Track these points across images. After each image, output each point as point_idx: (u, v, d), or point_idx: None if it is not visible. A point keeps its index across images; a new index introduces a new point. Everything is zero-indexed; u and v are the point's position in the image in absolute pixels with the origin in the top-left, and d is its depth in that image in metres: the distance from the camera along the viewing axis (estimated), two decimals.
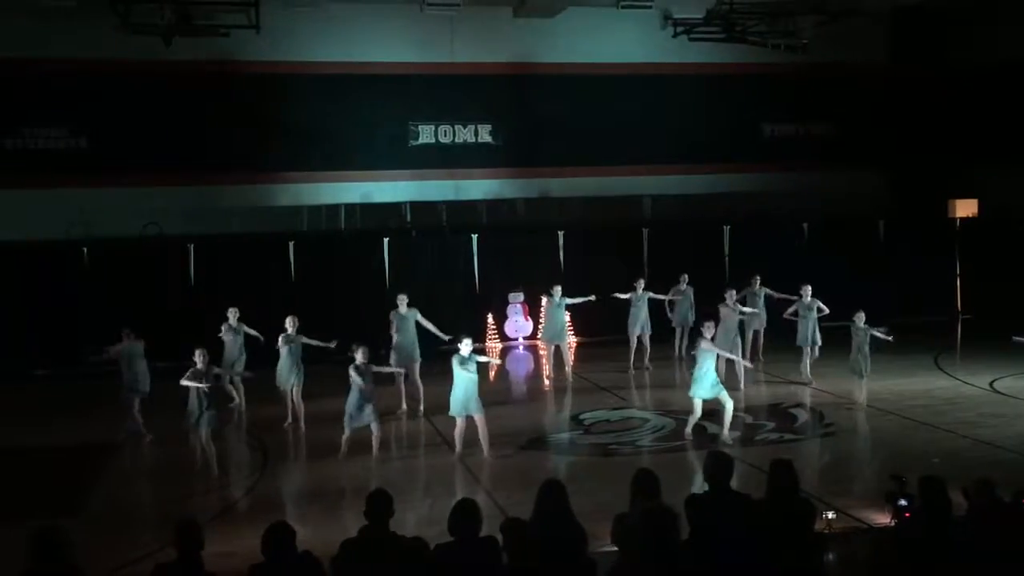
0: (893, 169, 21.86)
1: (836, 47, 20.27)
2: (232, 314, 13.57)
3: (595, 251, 19.42)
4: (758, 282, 15.80)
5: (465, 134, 20.56)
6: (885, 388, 13.86)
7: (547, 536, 5.82)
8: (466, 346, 10.80)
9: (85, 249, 17.55)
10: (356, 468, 10.74)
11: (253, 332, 13.56)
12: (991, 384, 14.21)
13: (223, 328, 13.47)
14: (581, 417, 12.99)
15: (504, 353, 18.67)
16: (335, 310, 18.09)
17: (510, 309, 19.32)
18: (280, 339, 12.56)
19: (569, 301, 15.30)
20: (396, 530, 6.02)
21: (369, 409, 10.79)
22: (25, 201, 17.79)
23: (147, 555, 7.40)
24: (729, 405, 11.45)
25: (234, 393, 13.68)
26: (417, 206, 19.98)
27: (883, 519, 7.64)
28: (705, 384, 11.36)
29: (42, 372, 16.39)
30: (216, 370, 10.87)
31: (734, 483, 6.32)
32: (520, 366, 17.90)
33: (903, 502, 6.91)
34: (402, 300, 13.56)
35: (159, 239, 18.24)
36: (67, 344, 16.86)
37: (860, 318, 12.87)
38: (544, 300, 15.91)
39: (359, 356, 10.82)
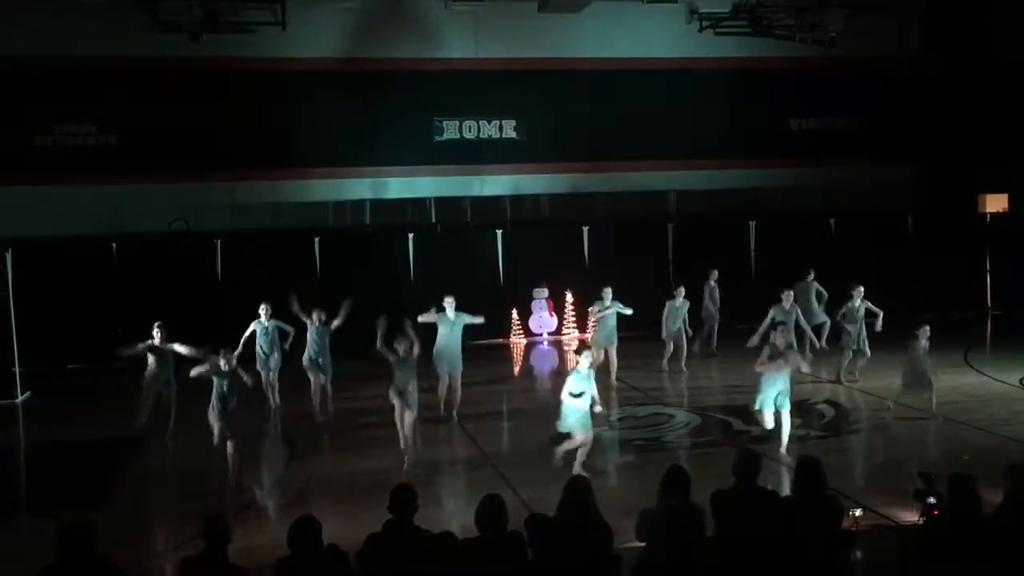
0: (922, 163, 21.62)
1: (865, 40, 20.06)
2: (264, 311, 13.16)
3: (620, 247, 19.39)
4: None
5: (490, 130, 20.56)
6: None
7: (572, 532, 5.81)
8: (450, 306, 11.11)
9: (114, 245, 17.74)
10: (382, 462, 10.78)
11: (286, 327, 13.15)
12: (1021, 381, 14.03)
13: (254, 324, 13.11)
14: (607, 413, 12.95)
15: (528, 349, 18.67)
16: (359, 305, 18.21)
17: (534, 305, 19.31)
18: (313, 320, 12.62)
19: (620, 309, 14.51)
20: (420, 524, 6.04)
21: (413, 386, 10.73)
22: (55, 197, 18.03)
23: (174, 548, 7.46)
24: (788, 421, 10.70)
25: (270, 395, 13.30)
26: (442, 202, 20.01)
27: (911, 517, 7.56)
28: (769, 394, 10.72)
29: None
30: (243, 374, 10.37)
31: (761, 480, 6.29)
32: (545, 362, 17.88)
33: (932, 500, 6.83)
34: (450, 304, 12.53)
35: (187, 235, 18.40)
36: (96, 339, 17.06)
37: (924, 333, 12.11)
38: (595, 307, 14.69)
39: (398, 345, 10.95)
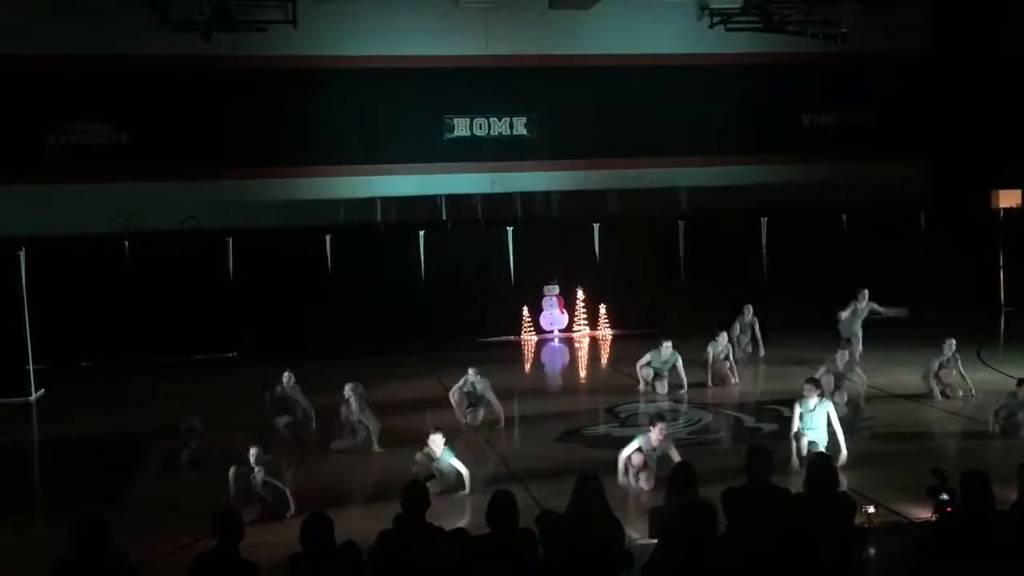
0: (934, 159, 21.52)
1: (877, 36, 19.99)
2: (288, 377, 12.33)
3: (631, 244, 19.40)
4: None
5: (500, 127, 20.56)
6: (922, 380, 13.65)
7: (583, 529, 5.82)
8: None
9: (126, 243, 17.82)
10: (393, 460, 10.80)
11: (304, 403, 12.29)
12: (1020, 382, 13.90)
13: (277, 390, 12.33)
14: (616, 410, 12.95)
15: (539, 346, 18.68)
16: (371, 303, 18.31)
17: (545, 302, 19.31)
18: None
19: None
20: (432, 521, 6.06)
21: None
22: (68, 196, 18.14)
23: (186, 545, 7.49)
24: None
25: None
26: (452, 199, 20.04)
27: (924, 514, 7.54)
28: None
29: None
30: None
31: (772, 477, 6.29)
32: (555, 359, 17.88)
33: (945, 496, 6.81)
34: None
35: (198, 233, 18.47)
36: (108, 337, 17.21)
37: (951, 346, 12.42)
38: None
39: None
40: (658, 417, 9.74)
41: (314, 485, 9.71)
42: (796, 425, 9.76)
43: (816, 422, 9.77)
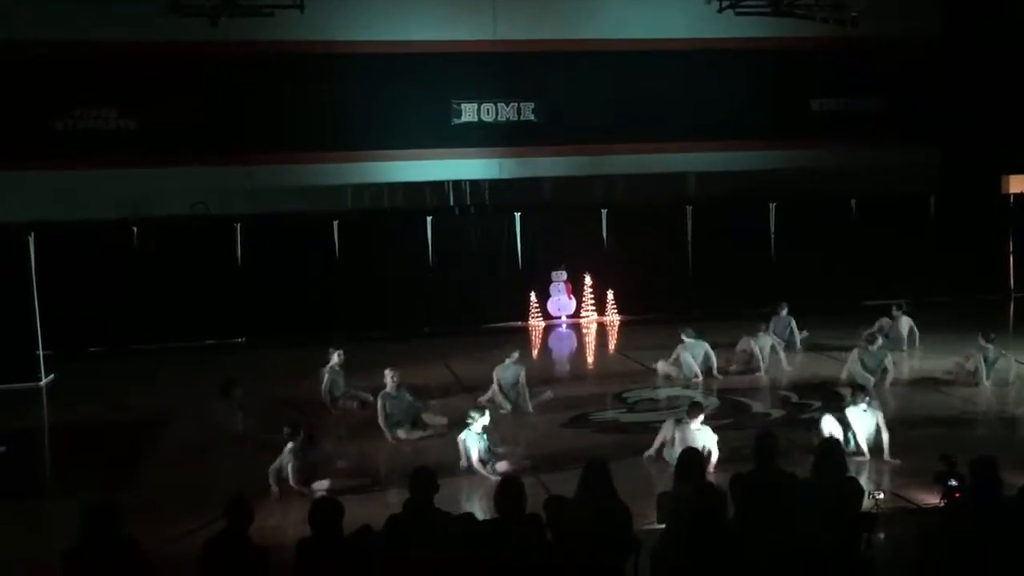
0: (945, 144, 21.37)
1: (887, 19, 19.82)
2: (336, 356, 12.51)
3: (639, 229, 19.37)
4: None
5: (508, 112, 20.49)
6: (936, 367, 13.62)
7: (591, 514, 5.83)
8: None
9: (135, 228, 17.87)
10: (403, 446, 10.85)
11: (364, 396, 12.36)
12: None
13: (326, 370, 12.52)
14: (624, 395, 12.96)
15: (547, 332, 18.69)
16: (379, 289, 18.35)
17: (553, 288, 19.30)
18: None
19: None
20: (440, 506, 6.09)
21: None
22: (76, 181, 18.14)
23: (197, 529, 7.53)
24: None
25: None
26: (459, 185, 20.02)
27: (932, 499, 7.53)
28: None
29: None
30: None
31: (780, 462, 6.29)
32: (563, 345, 17.89)
33: (953, 482, 6.80)
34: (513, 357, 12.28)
35: (207, 219, 18.51)
36: (117, 322, 17.29)
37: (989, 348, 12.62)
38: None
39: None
40: (696, 406, 9.87)
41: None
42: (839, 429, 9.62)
43: (863, 425, 9.74)
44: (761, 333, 14.04)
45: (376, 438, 11.02)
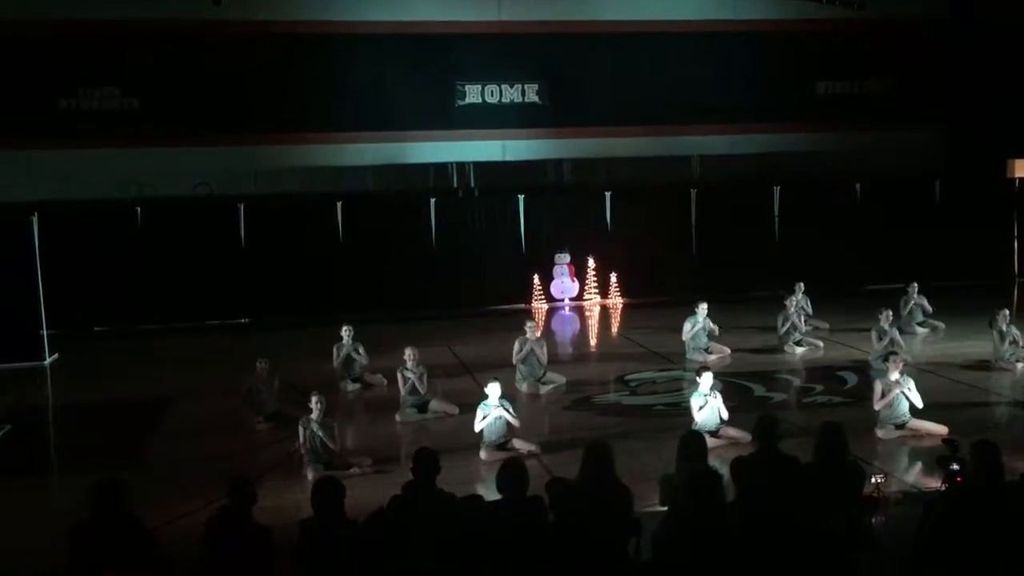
0: (951, 128, 21.29)
1: (892, 3, 19.72)
2: (347, 332, 12.63)
3: (643, 212, 19.34)
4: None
5: (512, 94, 20.41)
6: (939, 352, 13.64)
7: (592, 497, 5.84)
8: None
9: (138, 208, 17.87)
10: (407, 427, 10.88)
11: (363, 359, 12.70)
12: None
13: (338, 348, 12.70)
14: (627, 378, 12.97)
15: (550, 315, 18.69)
16: (382, 271, 18.35)
17: (556, 270, 19.30)
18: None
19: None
20: (443, 487, 6.10)
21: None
22: (80, 161, 18.12)
23: (201, 508, 7.57)
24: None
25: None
26: (463, 166, 19.97)
27: (934, 483, 7.55)
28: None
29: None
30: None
31: (782, 446, 6.29)
32: (566, 327, 17.89)
33: (955, 466, 6.81)
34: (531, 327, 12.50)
35: (210, 199, 18.50)
36: (121, 302, 17.34)
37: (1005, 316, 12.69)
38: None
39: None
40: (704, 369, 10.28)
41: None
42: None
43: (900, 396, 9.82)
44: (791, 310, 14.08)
45: (385, 420, 11.06)
